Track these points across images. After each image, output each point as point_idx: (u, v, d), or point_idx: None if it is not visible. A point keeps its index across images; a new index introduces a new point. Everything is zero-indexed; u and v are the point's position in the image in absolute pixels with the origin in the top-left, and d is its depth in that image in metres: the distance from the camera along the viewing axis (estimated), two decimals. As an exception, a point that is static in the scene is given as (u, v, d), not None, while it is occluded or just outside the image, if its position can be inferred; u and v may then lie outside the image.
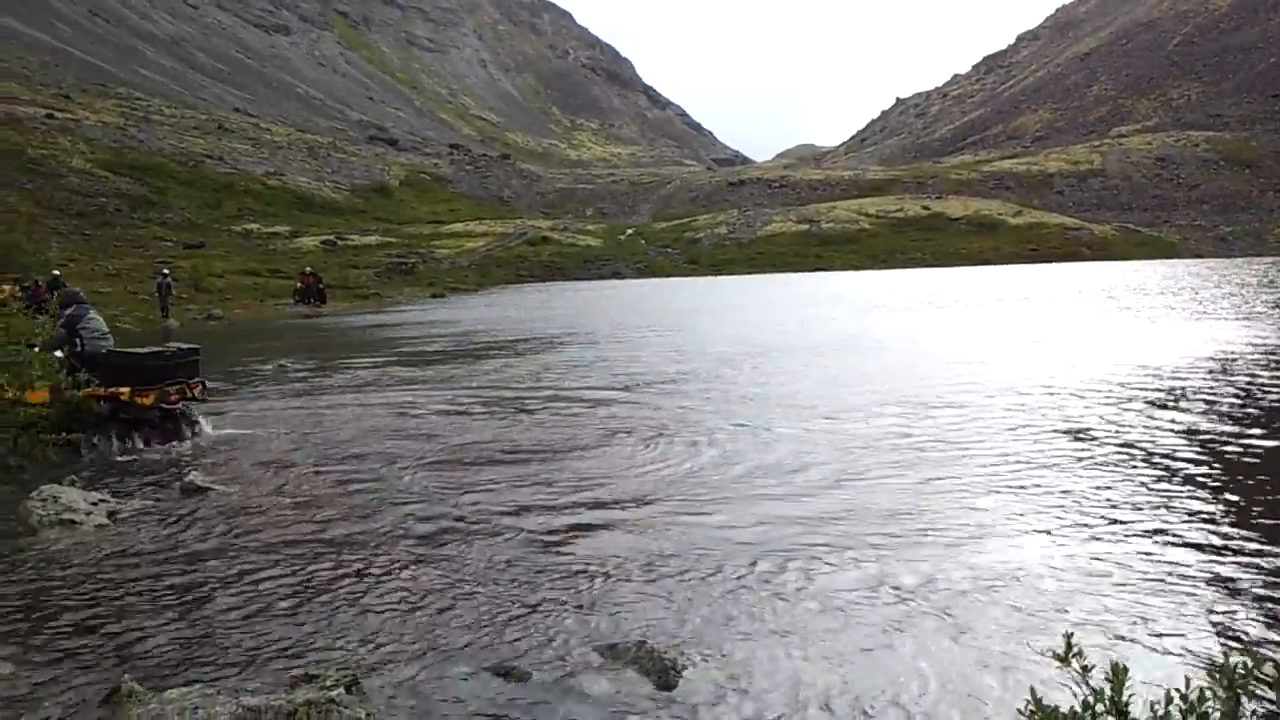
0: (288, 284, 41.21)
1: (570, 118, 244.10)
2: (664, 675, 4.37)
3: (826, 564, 5.89)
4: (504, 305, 38.99)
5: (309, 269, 40.52)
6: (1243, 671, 1.79)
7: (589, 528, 6.79)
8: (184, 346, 10.85)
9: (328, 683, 4.02)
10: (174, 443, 10.10)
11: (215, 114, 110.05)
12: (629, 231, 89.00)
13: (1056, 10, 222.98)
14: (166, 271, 32.95)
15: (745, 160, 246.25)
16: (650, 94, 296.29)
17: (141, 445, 9.91)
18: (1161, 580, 5.47)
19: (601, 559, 6.07)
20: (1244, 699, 1.77)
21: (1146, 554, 5.93)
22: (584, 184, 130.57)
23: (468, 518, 7.05)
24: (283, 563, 6.09)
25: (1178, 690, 1.83)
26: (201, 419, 10.77)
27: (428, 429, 10.79)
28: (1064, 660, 1.86)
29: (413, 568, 5.96)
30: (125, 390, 9.86)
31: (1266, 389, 12.14)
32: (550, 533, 6.66)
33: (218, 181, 76.76)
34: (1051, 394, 12.21)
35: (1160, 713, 1.82)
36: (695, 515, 7.04)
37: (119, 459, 9.47)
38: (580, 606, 5.27)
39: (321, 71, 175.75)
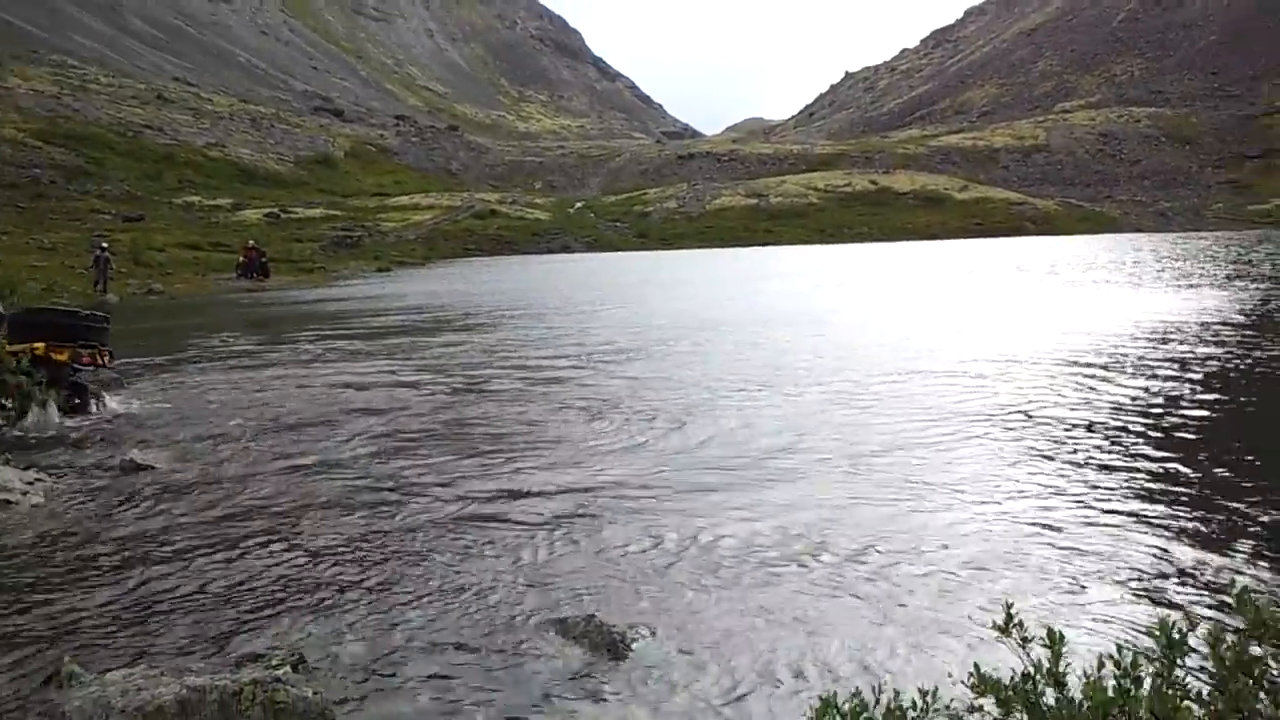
0: (230, 258, 40.55)
1: (519, 89, 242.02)
2: (615, 648, 4.38)
3: (775, 533, 5.93)
4: (451, 279, 38.67)
5: (252, 242, 39.90)
6: (1177, 635, 1.82)
7: (536, 501, 6.76)
8: (96, 313, 10.70)
9: (273, 661, 3.97)
10: (79, 416, 9.83)
11: (154, 83, 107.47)
12: (578, 205, 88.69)
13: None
14: (105, 245, 32.10)
15: (694, 133, 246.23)
16: (600, 65, 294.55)
17: (59, 413, 9.58)
18: (1097, 544, 5.58)
19: (550, 532, 6.06)
20: (1177, 660, 1.80)
21: (1080, 518, 6.04)
22: (533, 156, 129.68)
23: (413, 491, 7.00)
24: (226, 540, 5.99)
25: (1112, 657, 1.86)
26: (106, 394, 10.54)
27: (373, 403, 10.67)
28: (1004, 630, 1.88)
29: (357, 542, 5.90)
30: (40, 345, 9.63)
31: (1202, 357, 12.42)
32: (497, 506, 6.63)
33: (157, 152, 75.13)
34: (994, 364, 12.38)
35: (1094, 677, 1.84)
36: (643, 487, 7.05)
37: (50, 434, 9.23)
38: (530, 581, 5.25)
39: (264, 40, 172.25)
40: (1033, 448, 8.03)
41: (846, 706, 1.93)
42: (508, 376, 12.58)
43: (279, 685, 3.69)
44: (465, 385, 11.91)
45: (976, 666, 1.86)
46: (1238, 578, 5.06)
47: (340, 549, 5.80)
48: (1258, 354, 12.90)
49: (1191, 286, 24.58)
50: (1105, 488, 6.83)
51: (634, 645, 4.43)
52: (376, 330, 18.85)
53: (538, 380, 12.25)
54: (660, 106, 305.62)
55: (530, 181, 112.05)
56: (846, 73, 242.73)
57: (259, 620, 4.78)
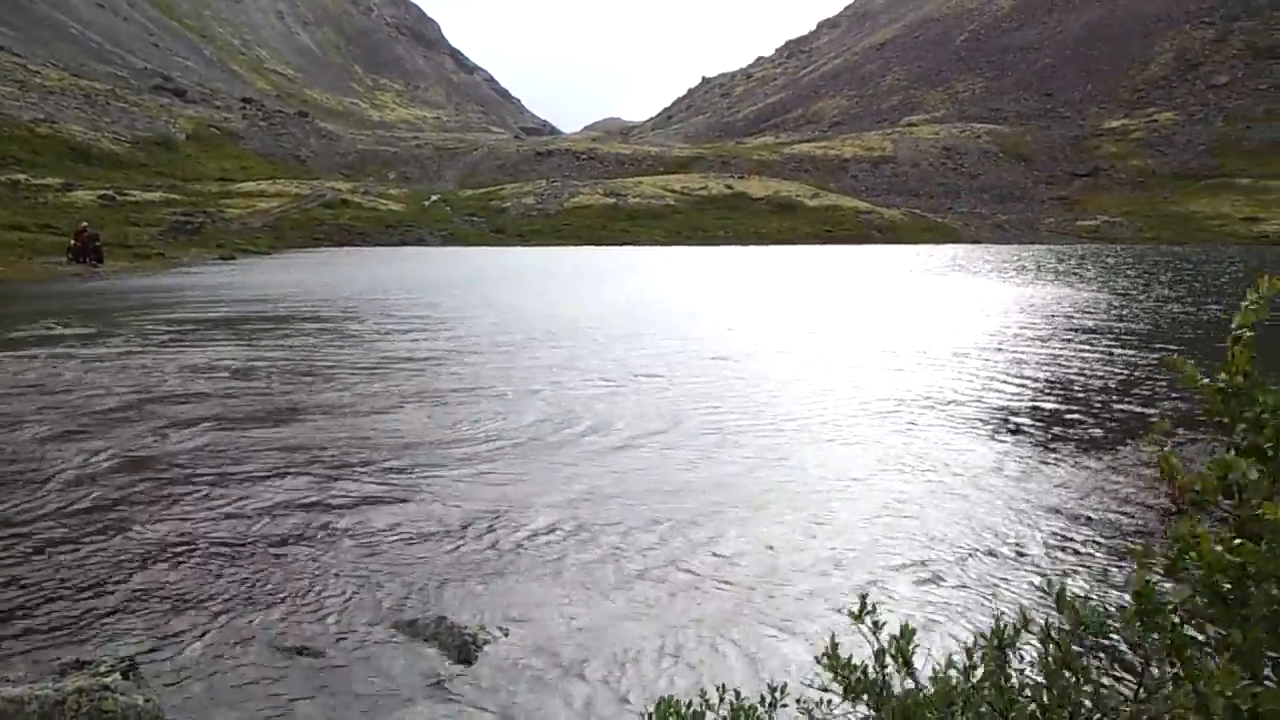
0: (60, 241, 38.33)
1: (373, 77, 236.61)
2: (464, 650, 4.32)
3: (622, 526, 5.95)
4: (297, 269, 37.50)
5: (85, 225, 37.79)
6: (1011, 633, 1.90)
7: (378, 495, 6.61)
8: None
9: (101, 668, 3.76)
10: None
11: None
12: (433, 198, 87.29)
13: (855, 0, 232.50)
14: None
15: (553, 130, 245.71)
16: (457, 57, 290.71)
17: None
18: (953, 530, 5.81)
19: (393, 529, 5.93)
20: (1010, 653, 1.89)
21: (940, 499, 6.28)
22: (386, 146, 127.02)
23: (243, 487, 6.74)
24: (41, 541, 5.64)
25: (961, 649, 1.94)
26: None
27: (205, 391, 10.24)
28: (857, 618, 1.93)
29: (188, 542, 5.64)
30: None
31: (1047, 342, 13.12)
32: (339, 502, 6.45)
33: (-24, 126, 70.37)
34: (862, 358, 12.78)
35: (940, 669, 1.91)
36: (490, 482, 6.98)
37: None
38: (377, 581, 5.13)
39: (100, 13, 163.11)
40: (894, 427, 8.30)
41: (689, 711, 1.95)
42: (344, 368, 12.26)
43: (106, 694, 3.49)
44: (303, 375, 11.55)
45: (833, 644, 1.90)
46: (1075, 571, 5.34)
47: (171, 548, 5.54)
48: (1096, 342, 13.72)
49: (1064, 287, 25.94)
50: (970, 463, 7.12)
51: (485, 646, 4.38)
52: (215, 320, 18.09)
53: (379, 372, 11.98)
54: (519, 101, 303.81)
55: (384, 172, 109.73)
56: (704, 78, 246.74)
57: (85, 625, 4.52)
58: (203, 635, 4.43)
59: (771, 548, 5.71)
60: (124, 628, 4.49)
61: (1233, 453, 1.53)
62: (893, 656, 1.84)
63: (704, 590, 5.10)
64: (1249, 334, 1.60)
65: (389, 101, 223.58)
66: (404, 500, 6.62)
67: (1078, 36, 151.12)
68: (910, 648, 1.88)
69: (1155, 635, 1.49)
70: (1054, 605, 1.82)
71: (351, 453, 7.91)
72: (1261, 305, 1.62)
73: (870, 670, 1.84)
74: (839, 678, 1.85)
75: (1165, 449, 1.61)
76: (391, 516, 6.24)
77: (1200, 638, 1.48)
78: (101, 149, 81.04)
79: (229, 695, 3.91)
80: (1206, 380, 1.60)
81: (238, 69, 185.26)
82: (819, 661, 1.88)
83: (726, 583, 5.19)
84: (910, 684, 1.81)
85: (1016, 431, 8.92)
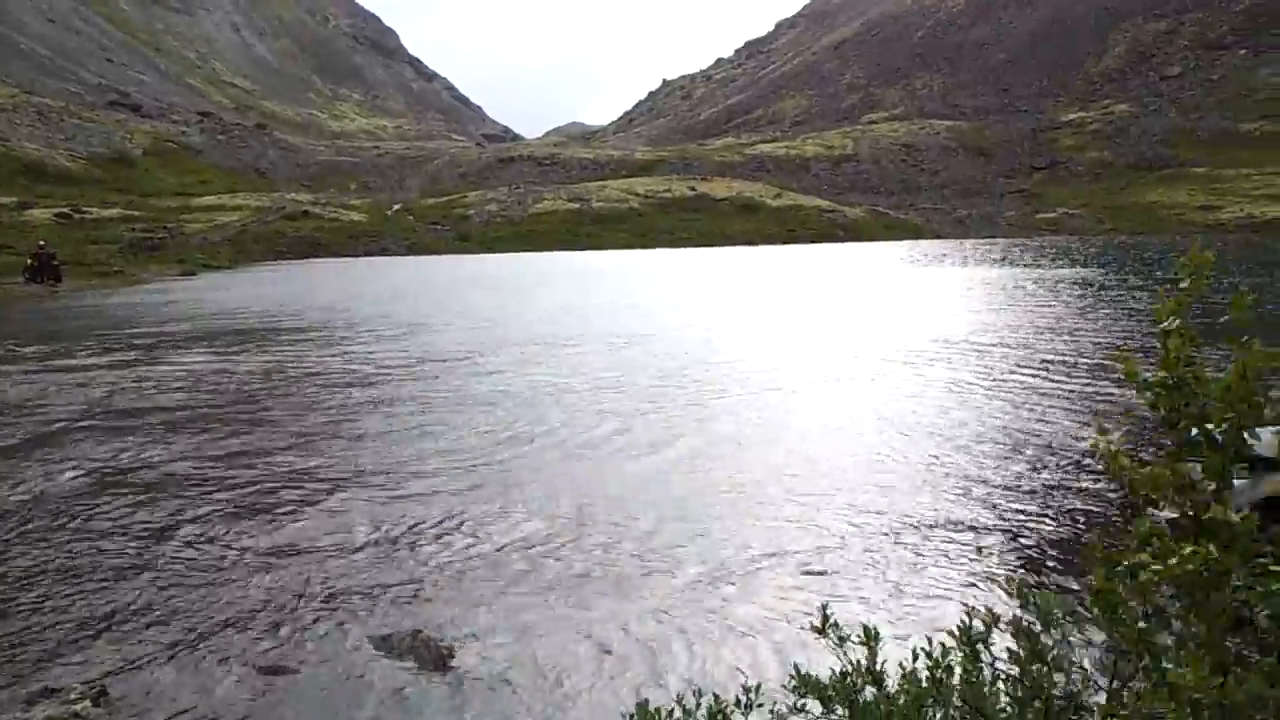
0: (16, 260, 37.76)
1: (332, 87, 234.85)
2: (441, 662, 4.31)
3: (583, 530, 5.96)
4: (261, 284, 37.16)
5: (43, 243, 37.26)
6: (982, 627, 1.92)
7: (341, 507, 6.58)
8: None
9: (71, 695, 3.72)
10: None
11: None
12: (396, 207, 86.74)
13: (813, 0, 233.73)
14: None
15: (515, 137, 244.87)
16: (416, 66, 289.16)
17: None
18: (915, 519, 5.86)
19: (363, 540, 5.91)
20: (981, 650, 1.90)
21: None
22: (347, 157, 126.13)
23: (212, 500, 6.68)
24: (5, 569, 5.56)
25: (923, 649, 1.95)
26: None
27: (176, 405, 10.14)
28: (821, 631, 1.94)
29: (154, 563, 5.58)
30: None
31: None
32: (304, 514, 6.41)
33: (-73, 145, 69.13)
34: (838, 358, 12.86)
35: (909, 669, 1.92)
36: (457, 489, 6.96)
37: None
38: (349, 595, 5.10)
39: (51, 28, 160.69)
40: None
41: (668, 716, 1.94)
42: (304, 381, 12.18)
43: (78, 721, 3.46)
44: (266, 389, 11.46)
45: (797, 668, 1.91)
46: (1041, 561, 5.40)
47: (138, 570, 5.48)
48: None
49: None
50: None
51: (461, 655, 4.37)
52: (177, 338, 17.90)
53: (336, 385, 11.91)
54: (480, 109, 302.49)
55: (345, 183, 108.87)
56: (664, 80, 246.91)
57: (55, 651, 4.46)
58: (172, 657, 4.39)
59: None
60: (93, 652, 4.44)
61: (1180, 448, 1.55)
62: (861, 675, 1.85)
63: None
64: (1178, 323, 1.59)
65: (349, 112, 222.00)
66: (366, 505, 6.59)
67: (1032, 30, 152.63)
68: (879, 662, 1.90)
69: (1119, 631, 1.51)
70: (1018, 600, 1.84)
71: (319, 465, 7.86)
72: (1194, 283, 1.60)
73: (839, 679, 1.85)
74: (811, 694, 1.86)
75: (1113, 447, 1.61)
76: (361, 526, 6.21)
77: (1163, 634, 1.50)
78: (57, 166, 79.91)
79: (203, 717, 3.88)
80: (1148, 376, 1.60)
81: (194, 82, 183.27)
82: (790, 684, 1.88)
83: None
84: (878, 690, 1.82)
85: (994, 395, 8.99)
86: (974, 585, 5.13)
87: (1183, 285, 1.62)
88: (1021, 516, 6.28)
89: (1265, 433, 4.58)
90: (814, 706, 1.89)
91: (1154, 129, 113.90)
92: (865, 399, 10.56)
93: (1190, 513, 1.50)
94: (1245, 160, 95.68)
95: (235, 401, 11.05)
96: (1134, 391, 1.60)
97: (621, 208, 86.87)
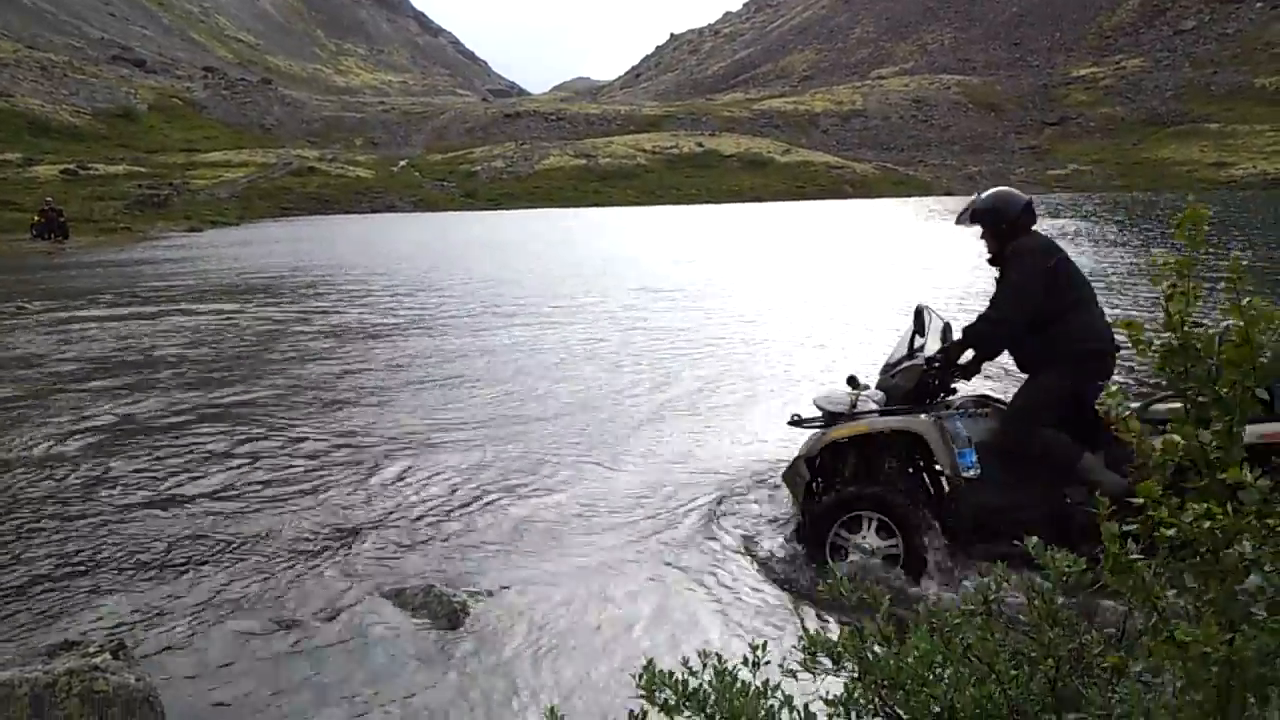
0: (23, 217, 37.75)
1: (336, 42, 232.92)
2: (453, 616, 4.36)
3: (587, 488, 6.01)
4: (266, 241, 37.11)
5: (49, 200, 37.22)
6: (994, 588, 1.94)
7: (348, 469, 6.63)
8: None
9: (90, 649, 3.77)
10: None
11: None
12: (402, 163, 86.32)
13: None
14: None
15: (521, 92, 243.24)
16: (421, 20, 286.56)
17: None
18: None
19: (373, 499, 5.97)
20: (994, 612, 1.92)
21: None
22: (353, 112, 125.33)
23: (220, 460, 6.73)
24: (24, 522, 5.62)
25: (930, 611, 1.97)
26: None
27: (192, 359, 10.19)
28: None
29: (168, 518, 5.64)
30: None
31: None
32: (308, 475, 6.46)
33: (-73, 100, 68.82)
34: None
35: (920, 628, 1.93)
36: (463, 449, 7.01)
37: None
38: (360, 552, 5.16)
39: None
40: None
41: (673, 680, 1.93)
42: (309, 338, 12.22)
43: (98, 674, 3.51)
44: (281, 348, 11.50)
45: (805, 629, 1.93)
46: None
47: (150, 526, 5.53)
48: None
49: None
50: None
51: (473, 609, 4.42)
52: (182, 294, 17.93)
53: (344, 339, 11.95)
54: (485, 64, 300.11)
55: (351, 138, 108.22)
56: (672, 34, 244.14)
57: (73, 606, 4.52)
58: (188, 611, 4.44)
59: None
60: (108, 607, 4.50)
61: (1188, 410, 1.54)
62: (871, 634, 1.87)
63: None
64: (1178, 289, 1.56)
65: (353, 67, 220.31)
66: (375, 467, 6.64)
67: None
68: (889, 620, 1.91)
69: (1128, 589, 1.52)
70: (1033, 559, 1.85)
71: (320, 428, 7.90)
72: (1192, 241, 1.56)
73: (849, 641, 1.86)
74: (821, 651, 1.87)
75: (1125, 413, 1.60)
76: (370, 487, 6.26)
77: (1172, 593, 1.51)
78: (61, 122, 79.56)
79: (218, 671, 3.94)
80: (1155, 340, 1.58)
81: (197, 37, 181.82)
82: (798, 645, 1.89)
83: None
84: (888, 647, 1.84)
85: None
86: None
87: (1179, 243, 1.60)
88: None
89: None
90: (825, 662, 1.91)
91: (1167, 84, 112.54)
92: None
93: (1201, 474, 1.51)
94: (1259, 116, 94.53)
95: (241, 355, 11.09)
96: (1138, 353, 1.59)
97: (628, 164, 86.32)
